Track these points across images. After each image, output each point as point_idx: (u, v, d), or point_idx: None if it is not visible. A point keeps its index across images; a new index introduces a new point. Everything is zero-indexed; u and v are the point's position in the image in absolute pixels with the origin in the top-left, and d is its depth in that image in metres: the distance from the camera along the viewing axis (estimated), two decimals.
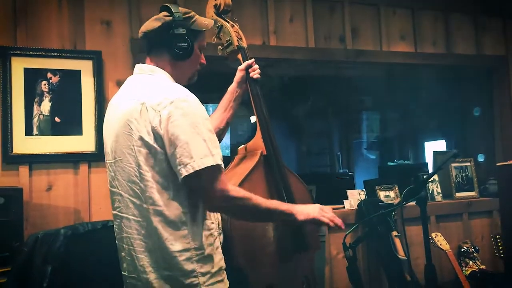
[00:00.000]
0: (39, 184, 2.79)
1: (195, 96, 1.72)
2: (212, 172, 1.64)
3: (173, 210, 1.67)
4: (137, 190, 1.69)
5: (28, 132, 2.78)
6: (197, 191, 1.69)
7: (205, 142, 1.65)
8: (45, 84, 2.83)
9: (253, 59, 2.25)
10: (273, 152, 2.15)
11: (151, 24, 1.83)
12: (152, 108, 1.66)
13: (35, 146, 2.78)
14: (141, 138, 1.67)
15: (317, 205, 1.94)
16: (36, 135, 2.79)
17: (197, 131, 1.65)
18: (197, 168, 1.61)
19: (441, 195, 3.81)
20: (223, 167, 1.70)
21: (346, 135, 7.81)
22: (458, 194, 3.88)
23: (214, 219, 1.80)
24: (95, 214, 2.85)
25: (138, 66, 1.89)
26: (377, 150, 8.01)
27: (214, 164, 1.64)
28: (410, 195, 2.07)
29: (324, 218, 1.92)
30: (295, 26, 3.46)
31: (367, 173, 6.83)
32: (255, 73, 2.23)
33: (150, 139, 1.66)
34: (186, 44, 1.82)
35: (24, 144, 2.76)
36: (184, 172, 1.61)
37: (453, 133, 5.77)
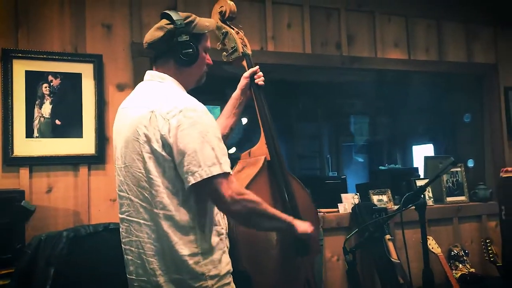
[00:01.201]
0: (39, 186, 2.80)
1: (203, 105, 1.76)
2: (221, 179, 1.68)
3: (182, 215, 1.71)
4: (146, 195, 1.73)
5: (29, 134, 2.79)
6: (210, 198, 1.73)
7: (214, 150, 1.69)
8: (46, 87, 2.84)
9: (257, 66, 2.29)
10: (277, 158, 2.19)
11: (154, 34, 1.85)
12: (162, 116, 1.69)
13: (35, 148, 2.79)
14: (150, 146, 1.71)
15: (309, 224, 1.99)
16: (36, 137, 2.80)
17: (206, 140, 1.69)
18: (205, 176, 1.65)
19: (432, 199, 3.89)
20: (231, 173, 1.74)
21: (336, 138, 7.88)
22: (448, 199, 3.97)
23: (223, 224, 1.85)
24: (94, 217, 2.87)
25: (148, 73, 1.91)
26: (366, 154, 8.11)
27: (222, 172, 1.68)
28: (409, 200, 2.13)
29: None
30: (293, 32, 3.51)
31: (356, 176, 6.92)
32: (260, 80, 2.28)
33: (158, 147, 1.69)
34: (191, 50, 1.85)
35: (24, 146, 2.77)
36: (192, 180, 1.65)
37: (442, 138, 5.89)
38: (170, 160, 1.69)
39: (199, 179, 1.65)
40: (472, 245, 3.91)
